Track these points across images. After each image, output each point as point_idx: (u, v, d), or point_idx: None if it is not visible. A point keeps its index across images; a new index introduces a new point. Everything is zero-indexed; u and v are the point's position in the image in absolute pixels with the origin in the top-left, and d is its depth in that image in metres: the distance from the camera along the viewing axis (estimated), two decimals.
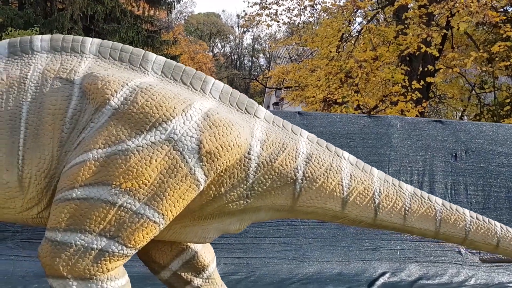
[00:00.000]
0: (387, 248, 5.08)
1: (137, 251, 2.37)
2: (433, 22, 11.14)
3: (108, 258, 2.26)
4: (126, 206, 2.26)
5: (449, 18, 10.85)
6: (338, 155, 2.66)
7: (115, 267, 2.31)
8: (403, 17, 11.38)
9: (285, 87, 17.45)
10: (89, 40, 2.59)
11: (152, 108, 2.32)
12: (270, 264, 4.82)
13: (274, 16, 16.12)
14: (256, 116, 2.62)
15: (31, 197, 2.40)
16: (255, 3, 15.56)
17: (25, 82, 2.44)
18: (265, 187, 2.53)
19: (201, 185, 2.36)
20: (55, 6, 19.47)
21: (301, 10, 15.89)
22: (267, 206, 2.60)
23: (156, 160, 2.27)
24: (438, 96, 15.50)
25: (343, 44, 11.91)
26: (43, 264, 2.30)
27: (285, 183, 2.55)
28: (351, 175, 2.63)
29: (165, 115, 2.32)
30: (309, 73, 12.53)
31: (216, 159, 2.35)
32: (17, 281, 4.35)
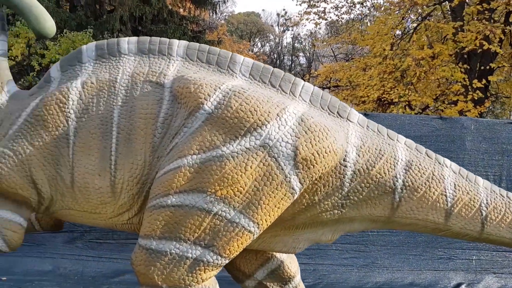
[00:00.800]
0: (462, 258, 4.81)
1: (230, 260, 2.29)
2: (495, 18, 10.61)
3: (203, 267, 2.18)
4: (221, 214, 2.17)
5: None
6: (439, 163, 2.48)
7: (209, 277, 2.23)
8: (463, 13, 10.89)
9: (333, 86, 17.14)
10: (176, 42, 2.53)
11: (246, 112, 2.22)
12: (338, 271, 4.66)
13: (322, 14, 15.88)
14: (349, 120, 2.47)
15: (123, 203, 2.36)
16: (303, 1, 15.35)
17: (115, 85, 2.40)
18: (361, 196, 2.38)
19: (296, 193, 2.25)
20: (104, 8, 19.97)
21: (350, 8, 15.58)
22: (362, 217, 2.45)
23: (251, 167, 2.18)
24: (494, 95, 14.79)
25: (398, 41, 11.53)
26: (137, 272, 2.25)
27: (383, 192, 2.39)
28: (455, 185, 2.44)
29: (259, 120, 2.22)
30: (361, 72, 12.22)
31: (312, 166, 2.23)
32: (87, 281, 4.40)
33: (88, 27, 14.94)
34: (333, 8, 16.13)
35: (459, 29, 10.26)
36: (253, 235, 2.23)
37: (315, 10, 15.52)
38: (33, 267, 4.56)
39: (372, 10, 15.02)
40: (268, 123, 2.22)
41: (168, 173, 2.21)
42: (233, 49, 33.75)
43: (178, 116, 2.31)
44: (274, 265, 2.76)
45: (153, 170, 2.31)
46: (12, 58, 12.10)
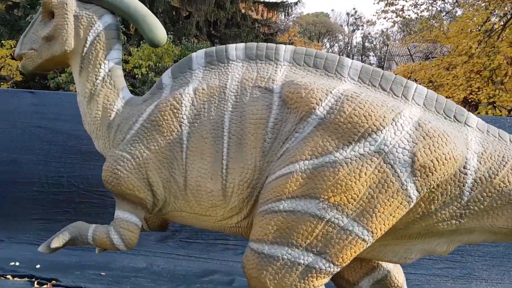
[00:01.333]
0: None
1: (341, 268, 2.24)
2: None
3: (315, 274, 2.15)
4: (333, 221, 2.13)
5: None
6: None
7: (320, 285, 2.20)
8: None
9: None
10: (282, 47, 2.53)
11: (360, 117, 2.16)
12: (432, 282, 4.43)
13: (400, 13, 15.37)
14: (468, 125, 2.33)
15: (233, 207, 2.39)
16: (381, 0, 14.94)
17: (225, 91, 2.44)
18: (482, 206, 2.23)
19: (412, 202, 2.15)
20: (181, 14, 20.70)
21: (431, 5, 14.91)
22: (483, 228, 2.30)
23: (365, 174, 2.11)
24: None
25: (485, 39, 10.84)
26: (248, 276, 2.26)
27: (506, 203, 2.23)
28: None
29: (374, 125, 2.15)
30: (444, 72, 11.63)
31: (430, 173, 2.12)
32: (179, 280, 4.53)
33: (168, 32, 15.55)
34: (412, 6, 15.56)
35: None
36: (367, 243, 2.16)
37: (392, 8, 15.07)
38: (128, 264, 4.77)
39: (454, 6, 14.26)
40: (384, 128, 2.14)
41: (280, 178, 2.21)
42: None
43: (288, 121, 2.30)
44: (381, 275, 2.67)
45: (263, 174, 2.32)
46: None
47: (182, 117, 2.46)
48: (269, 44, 2.56)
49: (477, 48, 10.53)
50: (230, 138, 2.36)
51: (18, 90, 5.59)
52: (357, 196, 2.11)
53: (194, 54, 2.65)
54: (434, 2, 14.71)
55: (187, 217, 2.55)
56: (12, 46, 14.28)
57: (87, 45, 2.74)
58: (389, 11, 15.17)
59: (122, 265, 4.76)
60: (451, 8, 14.52)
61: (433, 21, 15.02)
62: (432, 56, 16.57)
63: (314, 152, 2.16)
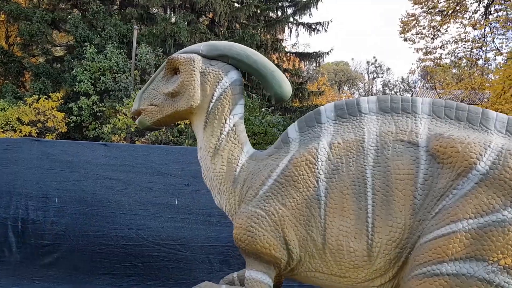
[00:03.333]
0: None
1: None
2: None
3: None
4: (503, 286, 1.94)
5: None
6: None
7: None
8: None
9: None
10: (419, 99, 2.44)
11: None
12: None
13: (438, 61, 15.41)
14: None
15: (377, 268, 2.22)
16: (419, 49, 15.05)
17: (363, 145, 2.34)
18: None
19: None
20: None
21: (470, 53, 14.92)
22: None
23: None
24: None
25: None
26: None
27: None
28: None
29: None
30: None
31: None
32: None
33: None
34: (449, 54, 15.61)
35: None
36: None
37: (431, 57, 15.14)
38: None
39: (495, 55, 14.24)
40: None
41: (440, 239, 2.05)
42: (333, 98, 33.95)
43: (441, 176, 2.17)
44: None
45: (413, 234, 2.17)
46: None
47: (319, 172, 2.36)
48: (403, 96, 2.48)
49: None
50: (375, 195, 2.24)
51: (91, 142, 5.64)
52: None
53: (322, 107, 2.58)
54: (471, 51, 14.74)
55: (322, 278, 2.39)
56: (59, 98, 14.70)
57: (213, 100, 2.72)
58: (427, 60, 15.25)
59: None
60: (492, 56, 14.49)
61: (471, 69, 14.98)
62: (470, 103, 16.45)
63: (478, 210, 2.01)
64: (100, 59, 15.65)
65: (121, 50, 16.34)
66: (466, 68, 15.87)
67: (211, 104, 2.72)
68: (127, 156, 5.34)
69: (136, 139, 14.75)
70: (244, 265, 4.95)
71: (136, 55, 16.44)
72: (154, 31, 18.26)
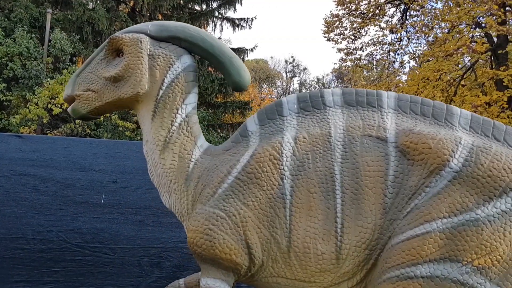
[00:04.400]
0: None
1: None
2: None
3: None
4: (476, 287, 1.89)
5: None
6: None
7: None
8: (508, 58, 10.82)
9: None
10: (384, 93, 2.34)
11: (500, 170, 1.98)
12: None
13: (358, 62, 16.04)
14: None
15: (345, 271, 2.09)
16: (341, 50, 15.55)
17: (330, 140, 2.19)
18: None
19: None
20: None
21: (387, 55, 15.68)
22: None
23: (510, 232, 1.91)
24: None
25: (447, 88, 11.46)
26: None
27: None
28: None
29: None
30: None
31: None
32: None
33: None
34: (368, 56, 16.30)
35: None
36: None
37: (351, 57, 15.70)
38: None
39: (409, 58, 15.12)
40: None
41: (413, 239, 1.96)
42: (255, 95, 34.15)
43: (412, 174, 2.08)
44: None
45: (384, 234, 2.06)
46: (59, 105, 12.12)
47: (283, 169, 2.17)
48: (368, 90, 2.37)
49: (440, 96, 11.07)
50: (344, 193, 2.09)
51: (3, 134, 4.98)
52: (501, 258, 1.91)
53: (284, 99, 2.40)
54: (388, 54, 15.51)
55: (284, 283, 2.20)
56: None
57: (164, 88, 2.42)
58: (347, 60, 15.78)
59: None
60: (407, 60, 15.34)
61: (388, 71, 15.78)
62: None
63: (452, 209, 1.95)
64: (8, 44, 14.23)
65: (33, 35, 15.00)
66: (383, 70, 16.69)
67: (161, 92, 2.42)
68: (45, 150, 4.77)
69: (48, 131, 13.63)
70: (179, 267, 4.67)
71: (50, 41, 15.18)
72: (70, 16, 17.00)
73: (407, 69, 16.04)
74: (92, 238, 4.60)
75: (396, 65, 16.14)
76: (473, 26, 10.99)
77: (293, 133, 2.25)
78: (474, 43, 10.31)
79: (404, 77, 15.43)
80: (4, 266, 4.54)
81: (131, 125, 12.69)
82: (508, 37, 12.24)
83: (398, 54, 15.93)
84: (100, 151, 4.83)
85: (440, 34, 12.45)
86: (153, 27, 2.48)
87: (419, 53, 14.70)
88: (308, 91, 2.62)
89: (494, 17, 9.98)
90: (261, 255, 2.16)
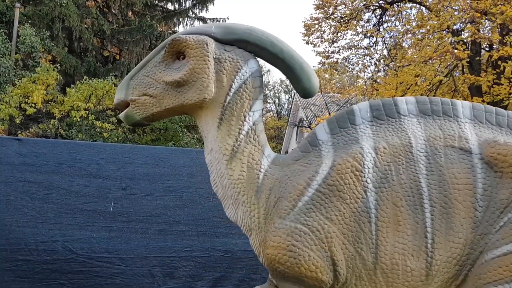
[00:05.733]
0: None
1: None
2: None
3: None
4: None
5: None
6: None
7: None
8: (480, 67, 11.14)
9: None
10: (458, 102, 2.30)
11: None
12: None
13: (335, 65, 16.19)
14: None
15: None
16: (318, 52, 15.64)
17: (411, 151, 2.13)
18: None
19: None
20: (112, 55, 19.81)
21: (363, 59, 15.91)
22: None
23: None
24: None
25: (426, 93, 11.72)
26: None
27: None
28: None
29: None
30: None
31: None
32: None
33: (111, 74, 14.60)
34: (344, 60, 16.47)
35: (493, 82, 10.51)
36: None
37: (329, 60, 15.82)
38: None
39: (384, 62, 15.38)
40: None
41: (511, 255, 1.92)
42: None
43: (501, 186, 2.04)
44: None
45: (475, 249, 2.01)
46: (33, 105, 11.57)
47: (366, 181, 2.08)
48: (442, 99, 2.32)
49: None
50: (433, 207, 2.03)
51: (2, 137, 4.64)
52: None
53: (355, 106, 2.31)
54: (364, 58, 15.76)
55: None
56: None
57: (231, 93, 2.28)
58: (325, 64, 15.90)
59: None
60: (383, 64, 15.59)
61: (365, 74, 16.02)
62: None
63: None
64: None
65: (0, 30, 14.24)
66: (360, 73, 16.93)
67: (228, 98, 2.28)
68: (47, 154, 4.50)
69: (19, 131, 12.99)
70: (193, 277, 4.49)
71: (19, 36, 14.47)
72: (40, 12, 16.28)
73: (381, 73, 16.30)
74: (101, 248, 4.37)
75: (372, 69, 16.39)
76: (454, 32, 11.29)
77: (371, 143, 2.17)
78: (455, 50, 10.60)
79: (379, 81, 15.65)
80: (4, 279, 4.25)
81: (108, 126, 12.26)
82: (482, 45, 12.69)
83: (372, 58, 16.20)
84: (107, 156, 4.59)
85: (419, 40, 12.72)
86: (217, 29, 2.34)
87: (395, 58, 14.99)
88: (380, 99, 2.55)
89: (474, 25, 10.30)
90: (345, 272, 2.06)
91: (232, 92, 2.29)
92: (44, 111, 12.19)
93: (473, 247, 2.02)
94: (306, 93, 2.36)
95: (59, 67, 13.13)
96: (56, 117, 12.07)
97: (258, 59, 2.42)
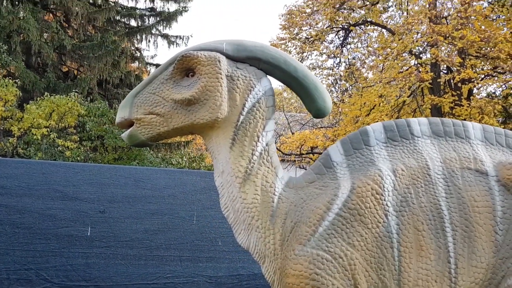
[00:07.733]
0: None
1: None
2: None
3: None
4: None
5: None
6: None
7: None
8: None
9: (306, 153, 17.27)
10: (469, 124, 2.32)
11: None
12: None
13: None
14: None
15: None
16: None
17: (429, 173, 2.11)
18: None
19: None
20: (72, 71, 19.23)
21: (326, 80, 16.21)
22: None
23: None
24: None
25: (391, 113, 12.06)
26: None
27: None
28: None
29: None
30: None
31: None
32: None
33: (73, 90, 14.12)
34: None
35: (454, 103, 10.94)
36: None
37: None
38: None
39: (348, 83, 15.75)
40: None
41: None
42: None
43: None
44: None
45: (497, 274, 1.99)
46: None
47: (387, 204, 2.04)
48: (453, 120, 2.33)
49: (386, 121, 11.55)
50: (455, 231, 2.01)
51: None
52: None
53: (369, 127, 2.28)
54: (327, 78, 16.07)
55: None
56: None
57: (244, 113, 2.19)
58: None
59: None
60: (348, 84, 15.93)
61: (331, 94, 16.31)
62: (311, 125, 18.30)
63: None
64: None
65: None
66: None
67: (241, 117, 2.19)
68: (20, 175, 4.22)
69: None
70: None
71: None
72: None
73: (345, 94, 16.65)
74: (77, 276, 4.11)
75: (336, 89, 16.72)
76: (416, 54, 11.73)
77: (388, 165, 2.13)
78: (419, 72, 10.98)
79: (345, 101, 15.96)
80: None
81: (71, 144, 11.77)
82: (441, 67, 13.23)
83: (335, 78, 16.55)
84: (84, 177, 4.35)
85: (381, 61, 13.10)
86: (229, 46, 2.26)
87: (358, 78, 15.37)
88: (393, 120, 2.55)
89: (436, 48, 10.73)
90: None
91: (245, 111, 2.20)
92: (1, 128, 11.57)
93: (495, 271, 2.00)
94: (320, 113, 2.31)
95: (18, 82, 12.54)
96: (15, 135, 11.48)
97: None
